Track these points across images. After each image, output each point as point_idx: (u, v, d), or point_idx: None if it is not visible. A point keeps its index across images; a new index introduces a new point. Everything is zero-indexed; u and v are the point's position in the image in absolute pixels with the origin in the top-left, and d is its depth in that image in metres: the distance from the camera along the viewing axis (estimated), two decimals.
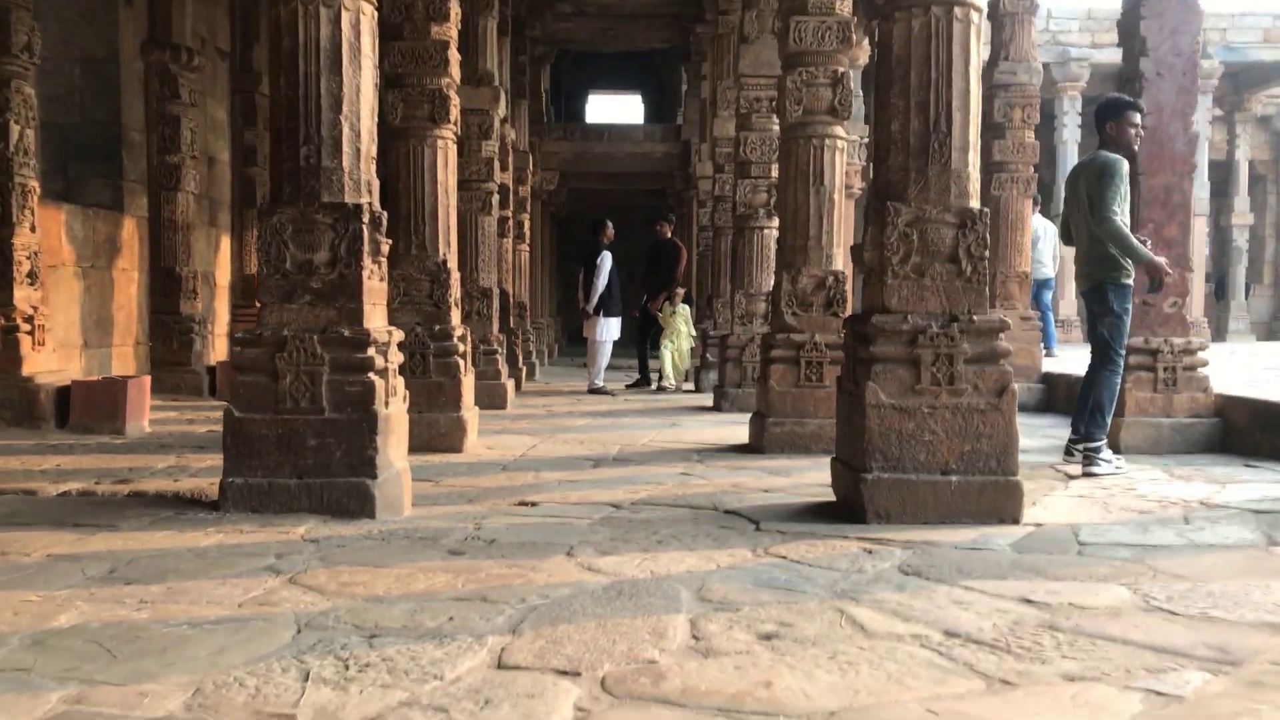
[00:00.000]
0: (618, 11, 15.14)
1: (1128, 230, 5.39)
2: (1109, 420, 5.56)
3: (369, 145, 4.18)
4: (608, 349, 10.63)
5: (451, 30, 6.34)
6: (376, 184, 4.24)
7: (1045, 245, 11.40)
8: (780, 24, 6.49)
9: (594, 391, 10.43)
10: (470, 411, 6.39)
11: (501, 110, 8.94)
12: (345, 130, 4.06)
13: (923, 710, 2.02)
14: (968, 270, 4.08)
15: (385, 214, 4.26)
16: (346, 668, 2.24)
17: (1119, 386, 5.63)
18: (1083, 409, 5.49)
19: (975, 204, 4.13)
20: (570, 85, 23.05)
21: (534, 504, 4.41)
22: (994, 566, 3.25)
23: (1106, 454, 5.37)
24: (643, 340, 11.36)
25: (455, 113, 6.40)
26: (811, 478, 5.16)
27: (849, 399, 4.27)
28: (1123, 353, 5.59)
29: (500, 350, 8.89)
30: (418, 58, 6.23)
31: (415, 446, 6.11)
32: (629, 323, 11.41)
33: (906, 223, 4.07)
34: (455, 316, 6.41)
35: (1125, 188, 5.45)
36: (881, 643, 2.45)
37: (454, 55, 6.37)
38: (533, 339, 12.89)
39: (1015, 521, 3.96)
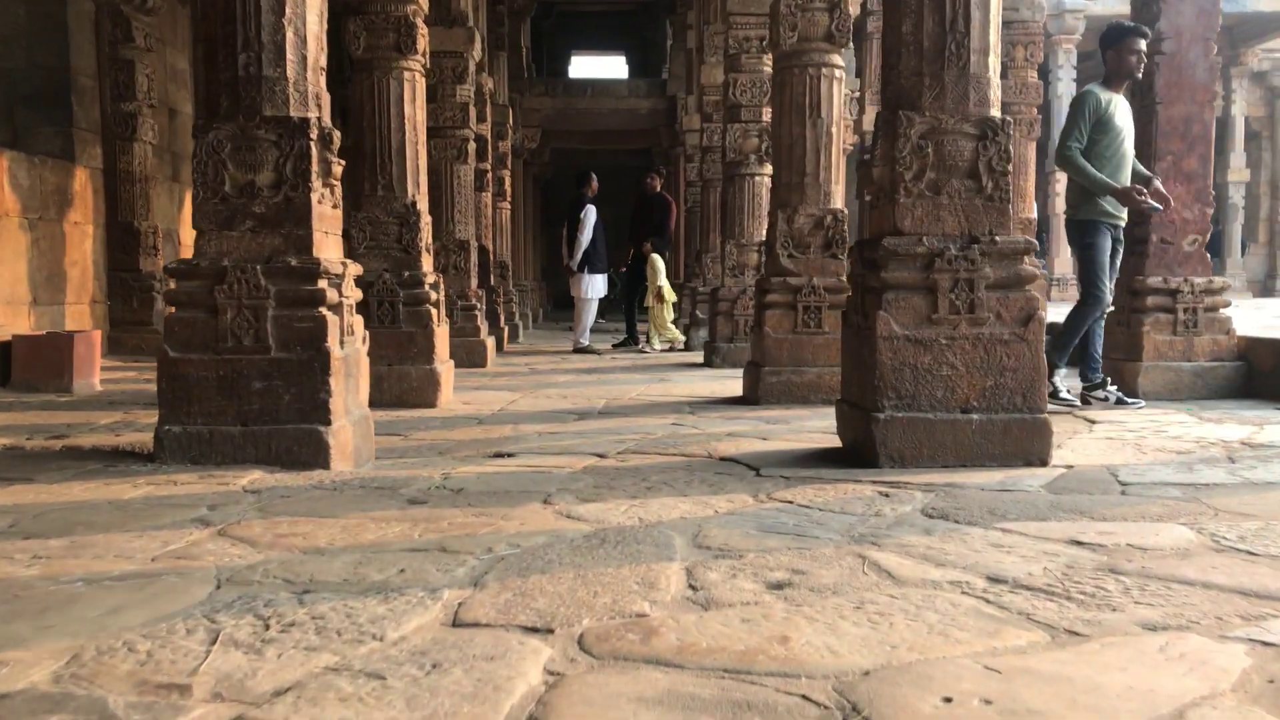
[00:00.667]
0: None
1: (1083, 162, 5.31)
2: (1068, 352, 5.54)
3: (317, 53, 3.73)
4: (593, 307, 10.19)
5: None
6: (327, 97, 3.79)
7: None
8: None
9: (579, 350, 10.00)
10: (445, 365, 5.96)
11: (477, 53, 8.46)
12: (289, 35, 3.60)
13: (979, 667, 1.63)
14: (989, 187, 3.66)
15: (338, 132, 3.81)
16: (266, 628, 1.83)
17: (1089, 322, 5.50)
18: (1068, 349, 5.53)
19: (996, 113, 3.70)
20: (553, 45, 22.46)
21: (510, 455, 4.00)
22: (1030, 508, 2.86)
23: (1101, 392, 5.51)
24: (630, 298, 10.93)
25: (423, 43, 5.93)
26: (813, 425, 4.76)
27: (857, 333, 3.86)
28: (1099, 289, 5.46)
29: (479, 306, 8.45)
30: None
31: (385, 401, 5.72)
32: (616, 284, 10.98)
33: (920, 134, 3.64)
34: (426, 262, 5.97)
35: (1110, 118, 5.37)
36: (915, 590, 2.05)
37: None
38: (516, 301, 12.45)
39: (1043, 463, 3.57)
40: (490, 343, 8.49)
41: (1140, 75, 5.58)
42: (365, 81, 5.86)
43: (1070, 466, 3.57)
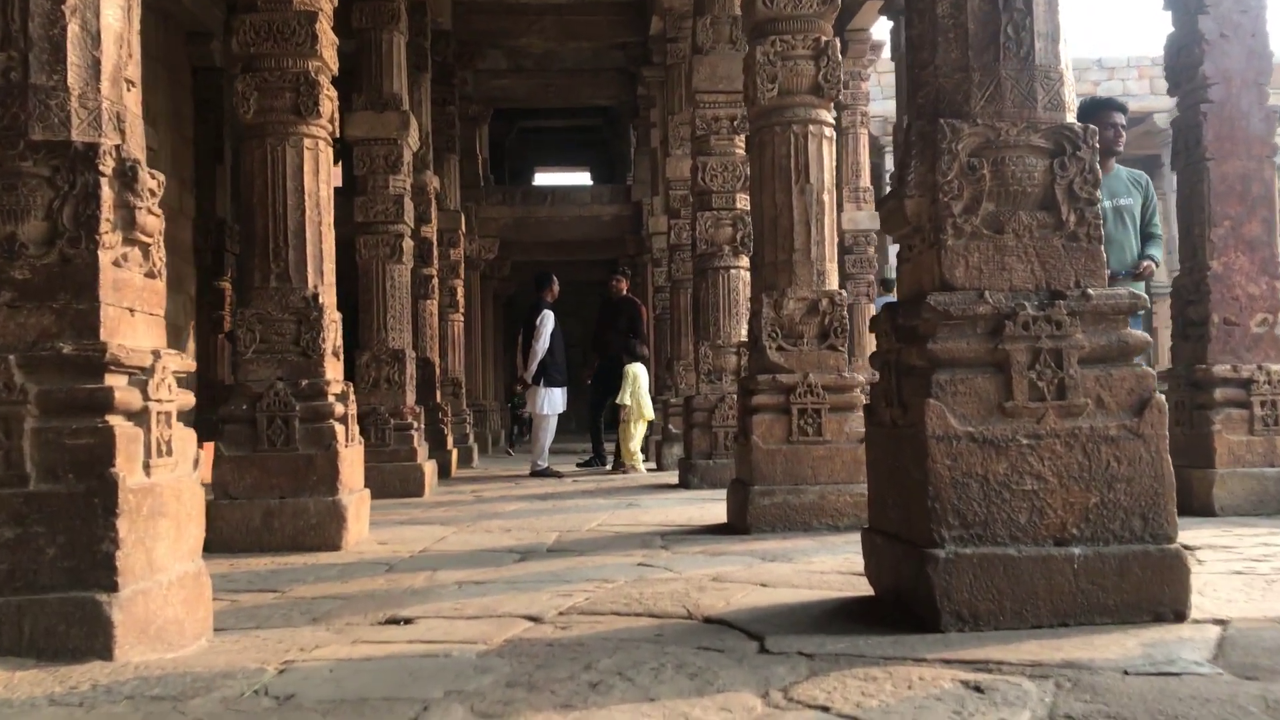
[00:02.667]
0: (558, 65, 13.96)
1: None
2: None
3: (120, 58, 2.65)
4: (552, 424, 9.01)
5: (325, 0, 4.90)
6: (136, 121, 2.70)
7: None
8: None
9: (537, 474, 8.80)
10: (355, 495, 4.76)
11: (413, 140, 7.52)
12: (73, 28, 2.53)
13: None
14: (1070, 220, 2.60)
15: (158, 175, 2.71)
16: None
17: None
18: None
19: (1073, 118, 2.67)
20: (515, 161, 21.87)
21: (407, 621, 2.80)
22: (1230, 710, 1.69)
23: None
24: (596, 413, 9.78)
25: (329, 106, 4.92)
26: (824, 562, 3.59)
27: (892, 433, 2.73)
28: None
29: (417, 426, 7.28)
30: (276, 33, 4.77)
31: (277, 544, 4.49)
32: (579, 394, 9.85)
33: (971, 150, 2.60)
34: (332, 368, 4.83)
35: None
36: None
37: (327, 33, 4.92)
38: (470, 422, 11.28)
39: (1180, 617, 2.42)
40: (430, 468, 7.29)
41: (1120, 149, 5.15)
42: (257, 150, 4.81)
43: (1223, 621, 2.41)
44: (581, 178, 22.95)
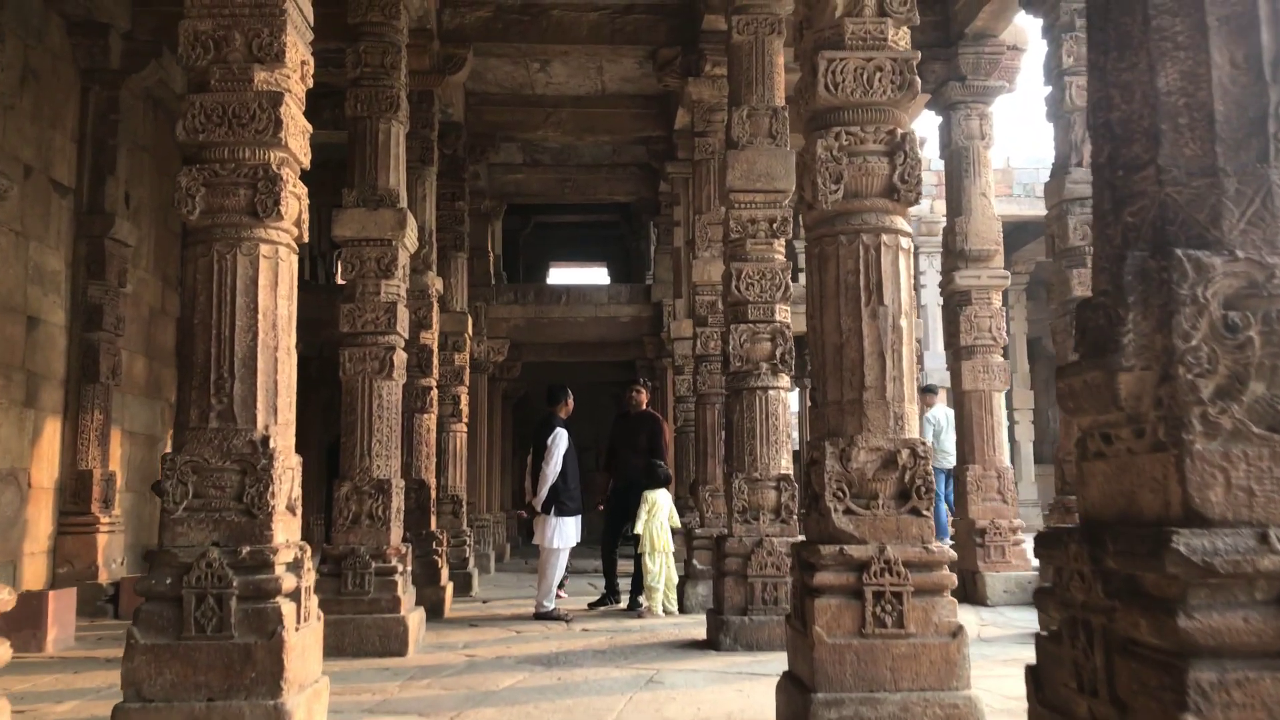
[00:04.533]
0: (575, 160, 13.27)
1: None
2: None
3: None
4: (562, 560, 7.93)
5: (289, 79, 4.05)
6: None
7: (948, 435, 10.83)
8: (804, 64, 4.27)
9: (542, 617, 7.70)
10: (307, 693, 3.71)
11: (410, 241, 6.66)
12: None
13: None
14: None
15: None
16: None
17: None
18: None
19: None
20: (530, 256, 21.19)
21: None
22: None
23: None
24: (611, 542, 8.71)
25: (294, 206, 4.03)
26: None
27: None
28: None
29: (401, 569, 6.24)
30: (231, 117, 3.90)
31: None
32: (592, 521, 8.79)
33: (1228, 298, 1.64)
34: (283, 528, 3.83)
35: None
36: None
37: (295, 118, 4.06)
38: (471, 541, 10.20)
39: None
40: (415, 620, 6.22)
41: None
42: (202, 259, 3.90)
43: None
44: (598, 274, 22.22)
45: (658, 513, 8.02)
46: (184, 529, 3.72)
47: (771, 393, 6.46)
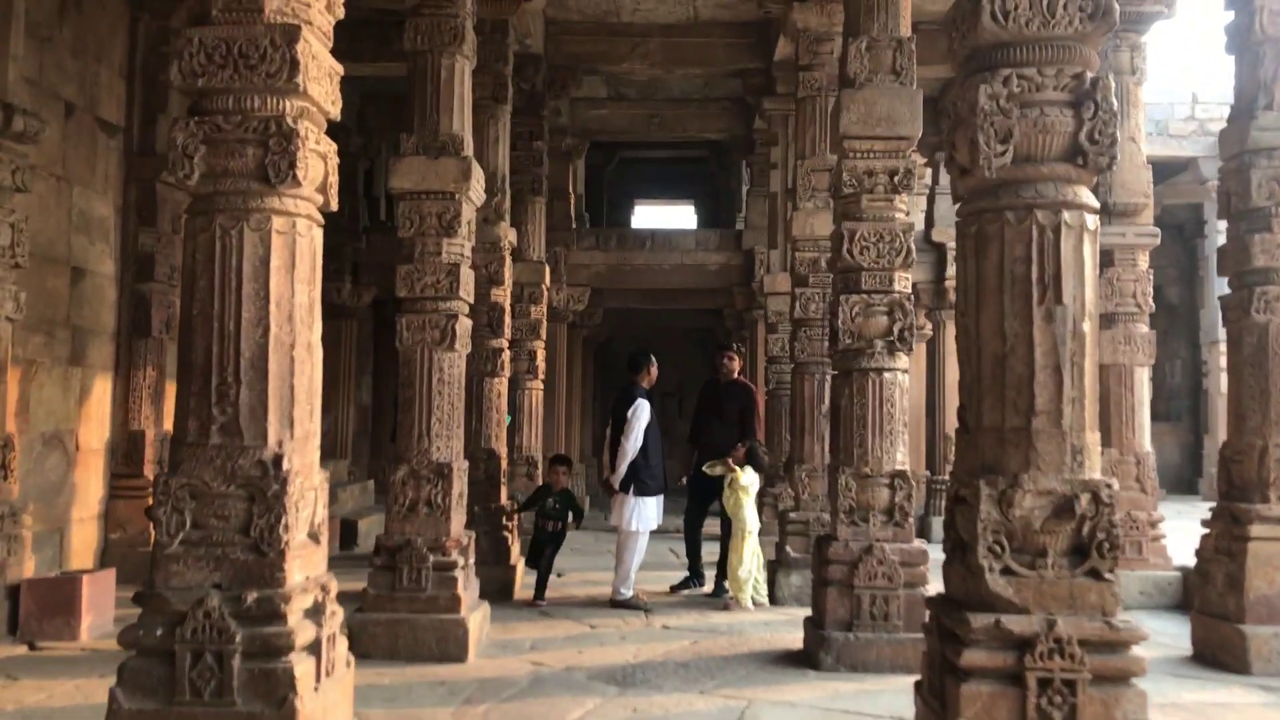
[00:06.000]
0: (664, 94, 12.28)
1: None
2: None
3: None
4: (642, 543, 7.20)
5: (310, 7, 3.25)
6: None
7: None
8: None
9: (619, 604, 7.02)
10: None
11: (476, 193, 5.87)
12: None
13: None
14: None
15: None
16: None
17: None
18: None
19: None
20: (614, 194, 20.29)
21: None
22: None
23: None
24: (695, 523, 7.95)
25: (318, 168, 3.27)
26: None
27: None
28: None
29: (463, 562, 5.59)
30: (237, 57, 3.13)
31: None
32: (674, 500, 8.04)
33: None
34: (303, 564, 3.13)
35: None
36: None
37: (318, 56, 3.27)
38: None
39: None
40: (476, 620, 5.57)
41: None
42: (201, 235, 3.17)
43: None
44: (685, 213, 21.24)
45: (747, 496, 7.22)
46: (179, 567, 3.05)
47: (887, 375, 5.57)
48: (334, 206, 3.45)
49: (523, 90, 9.41)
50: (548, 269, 9.94)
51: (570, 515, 7.46)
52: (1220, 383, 13.31)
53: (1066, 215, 3.08)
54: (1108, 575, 3.00)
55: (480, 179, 5.96)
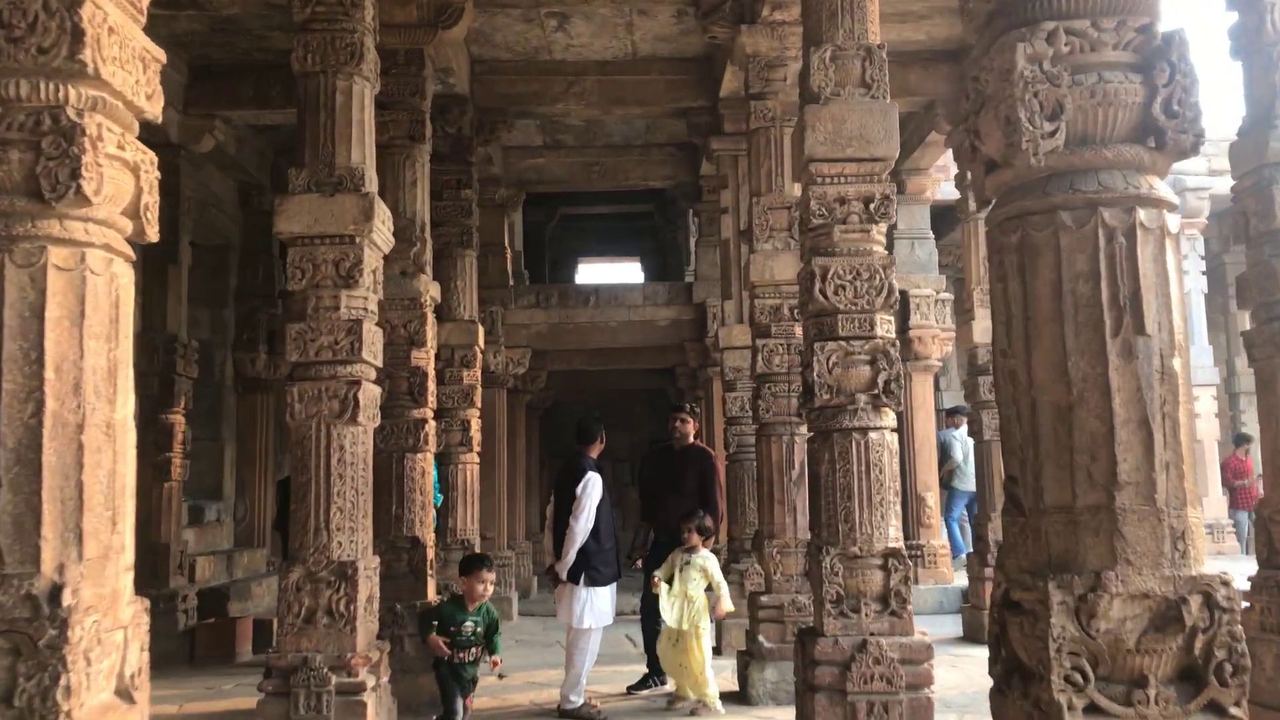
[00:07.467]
0: (604, 140, 11.54)
1: None
2: None
3: None
4: (595, 641, 6.20)
5: None
6: None
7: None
8: None
9: (568, 715, 6.01)
10: None
11: (382, 237, 4.99)
12: None
13: None
14: None
15: None
16: None
17: None
18: None
19: None
20: (557, 252, 19.53)
21: None
22: None
23: None
24: (655, 605, 6.98)
25: (121, 180, 2.37)
26: None
27: None
28: None
29: (375, 683, 4.59)
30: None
31: None
32: (627, 584, 7.09)
33: None
34: None
35: None
36: None
37: (118, 30, 2.40)
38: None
39: None
40: None
41: None
42: None
43: None
44: (632, 269, 20.53)
45: (699, 586, 6.28)
46: None
47: (873, 435, 4.74)
48: (153, 237, 2.55)
49: (448, 134, 8.62)
50: (482, 330, 9.04)
51: (489, 642, 5.59)
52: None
53: (1142, 214, 2.28)
54: (1234, 710, 2.15)
55: (386, 220, 5.09)
